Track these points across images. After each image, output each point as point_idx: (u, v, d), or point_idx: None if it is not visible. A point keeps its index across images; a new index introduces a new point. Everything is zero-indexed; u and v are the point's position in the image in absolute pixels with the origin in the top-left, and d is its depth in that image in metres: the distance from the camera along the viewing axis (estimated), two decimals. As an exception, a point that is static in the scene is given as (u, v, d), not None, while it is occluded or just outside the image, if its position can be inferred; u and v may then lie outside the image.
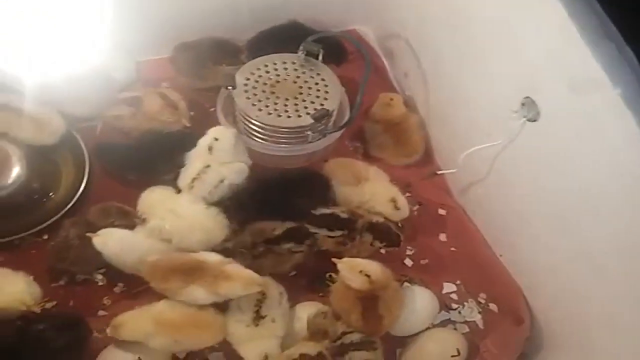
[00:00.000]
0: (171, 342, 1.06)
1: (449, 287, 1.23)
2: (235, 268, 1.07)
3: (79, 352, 1.07)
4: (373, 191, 1.23)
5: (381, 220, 1.19)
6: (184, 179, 1.19)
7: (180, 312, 1.08)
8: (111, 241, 1.11)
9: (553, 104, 1.00)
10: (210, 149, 1.17)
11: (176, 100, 1.32)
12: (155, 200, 1.18)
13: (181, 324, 1.06)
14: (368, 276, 1.08)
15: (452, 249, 1.28)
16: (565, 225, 1.05)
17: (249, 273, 1.06)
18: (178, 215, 1.15)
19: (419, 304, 1.15)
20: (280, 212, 1.16)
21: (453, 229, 1.31)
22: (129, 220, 1.16)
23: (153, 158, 1.25)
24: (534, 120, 1.04)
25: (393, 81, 1.55)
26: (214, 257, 1.09)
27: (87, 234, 1.09)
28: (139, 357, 1.06)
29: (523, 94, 1.04)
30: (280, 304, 1.11)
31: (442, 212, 1.33)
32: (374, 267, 1.10)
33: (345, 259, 1.10)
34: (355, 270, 1.09)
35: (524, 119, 1.05)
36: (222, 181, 1.18)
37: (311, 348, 1.04)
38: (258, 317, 1.08)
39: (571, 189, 1.01)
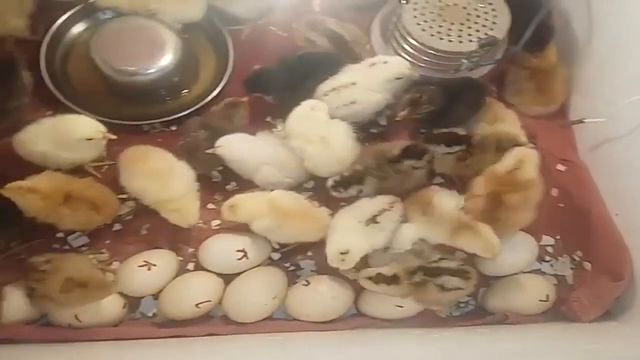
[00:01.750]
0: (276, 227, 1.14)
1: (546, 240, 1.28)
2: (485, 227, 1.11)
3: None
4: (500, 129, 1.25)
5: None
6: (324, 87, 1.27)
7: (294, 201, 1.18)
8: (235, 149, 1.20)
9: None
10: (372, 65, 1.25)
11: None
12: (301, 119, 1.22)
13: (292, 212, 1.15)
14: (518, 169, 1.11)
15: (560, 204, 1.32)
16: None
17: (494, 239, 1.10)
18: (321, 141, 1.20)
19: (518, 247, 1.19)
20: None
21: (568, 185, 1.32)
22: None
23: (296, 78, 1.29)
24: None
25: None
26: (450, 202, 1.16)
27: (216, 145, 1.18)
28: (244, 249, 1.17)
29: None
30: (396, 222, 1.17)
31: (560, 167, 1.36)
32: (532, 167, 1.12)
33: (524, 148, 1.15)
34: (518, 157, 1.12)
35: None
36: (353, 102, 1.25)
37: (389, 270, 1.11)
38: (372, 221, 1.14)
39: None
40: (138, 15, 1.35)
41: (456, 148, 1.19)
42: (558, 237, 1.28)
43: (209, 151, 1.19)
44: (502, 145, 1.18)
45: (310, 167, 1.22)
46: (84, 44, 1.39)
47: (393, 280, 1.10)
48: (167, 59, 1.32)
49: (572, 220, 1.29)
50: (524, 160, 1.13)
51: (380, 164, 1.17)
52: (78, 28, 1.43)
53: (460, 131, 1.21)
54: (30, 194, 1.09)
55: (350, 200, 1.20)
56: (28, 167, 1.16)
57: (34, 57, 1.35)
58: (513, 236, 1.18)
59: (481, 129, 1.25)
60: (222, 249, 1.18)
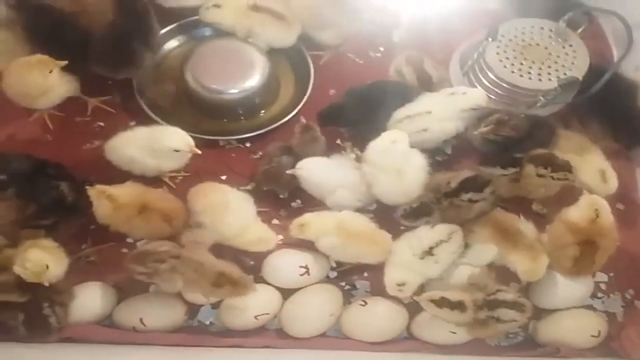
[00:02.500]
0: (341, 246, 1.17)
1: (600, 277, 1.27)
2: (544, 257, 1.15)
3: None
4: (585, 162, 1.27)
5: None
6: (400, 113, 1.29)
7: (361, 223, 1.20)
8: (314, 173, 1.24)
9: None
10: (450, 94, 1.28)
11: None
12: (381, 152, 1.22)
13: (358, 233, 1.18)
14: (597, 216, 1.14)
15: (617, 243, 1.27)
16: None
17: (542, 270, 1.15)
18: (397, 172, 1.21)
19: (574, 282, 1.20)
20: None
21: (626, 224, 1.30)
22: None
23: (368, 107, 1.31)
24: None
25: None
26: (530, 228, 1.19)
27: (296, 168, 1.22)
28: (306, 265, 1.20)
29: None
30: (453, 254, 1.18)
31: (620, 206, 1.33)
32: (607, 212, 1.16)
33: (594, 195, 1.17)
34: (592, 205, 1.15)
35: None
36: (425, 130, 1.27)
37: (455, 295, 1.11)
38: (428, 253, 1.16)
39: None
40: (234, 36, 1.43)
41: (511, 170, 1.21)
42: (612, 274, 1.28)
43: (289, 172, 1.23)
44: (541, 157, 1.20)
45: (379, 194, 1.25)
46: (175, 59, 1.48)
47: (458, 306, 1.11)
48: (253, 81, 1.39)
49: (626, 259, 1.28)
50: (600, 209, 1.15)
51: (437, 197, 1.19)
52: (171, 44, 1.52)
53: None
54: (106, 201, 1.14)
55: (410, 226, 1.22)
56: (113, 173, 1.24)
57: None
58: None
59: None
60: (286, 264, 1.22)
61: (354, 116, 1.32)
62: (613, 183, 1.27)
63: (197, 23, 1.49)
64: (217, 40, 1.45)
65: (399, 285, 1.16)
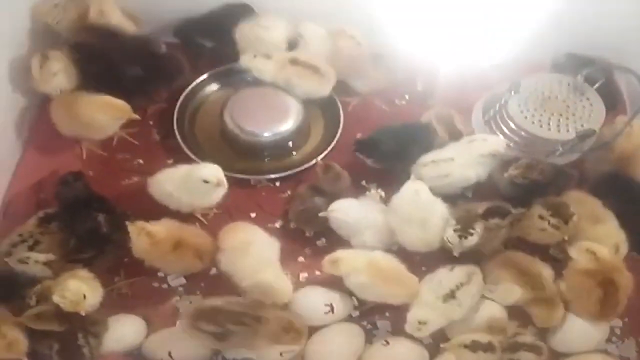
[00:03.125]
0: (370, 285, 1.19)
1: (615, 322, 1.29)
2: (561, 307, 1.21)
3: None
4: (600, 232, 1.28)
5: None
6: (426, 157, 1.35)
7: (392, 264, 1.23)
8: (346, 214, 1.28)
9: None
10: (471, 141, 1.34)
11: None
12: (406, 201, 1.27)
13: (389, 274, 1.21)
14: (594, 254, 1.19)
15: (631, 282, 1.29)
16: None
17: (558, 320, 1.20)
18: (421, 223, 1.25)
19: (590, 327, 1.21)
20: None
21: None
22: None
23: (401, 148, 1.38)
24: None
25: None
26: (549, 273, 1.24)
27: (329, 210, 1.27)
28: (331, 303, 1.23)
29: None
30: (474, 296, 1.21)
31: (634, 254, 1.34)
32: (601, 248, 1.20)
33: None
34: (582, 249, 1.21)
35: None
36: (447, 176, 1.33)
37: (482, 337, 1.14)
38: (450, 296, 1.18)
39: None
40: (272, 84, 1.51)
41: (520, 210, 1.26)
42: (626, 319, 1.29)
43: (322, 214, 1.28)
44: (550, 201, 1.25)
45: (403, 243, 1.29)
46: (214, 102, 1.57)
47: (489, 347, 1.13)
48: (287, 126, 1.48)
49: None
50: (596, 249, 1.20)
51: (466, 226, 1.22)
52: (211, 88, 1.61)
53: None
54: (145, 237, 1.18)
55: (430, 266, 1.25)
56: (149, 207, 1.29)
57: (170, 108, 1.53)
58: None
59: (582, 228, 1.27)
60: (312, 302, 1.25)
61: (386, 151, 1.38)
62: (621, 255, 1.28)
63: (237, 70, 1.57)
64: (254, 87, 1.53)
65: (420, 323, 1.16)
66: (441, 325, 1.19)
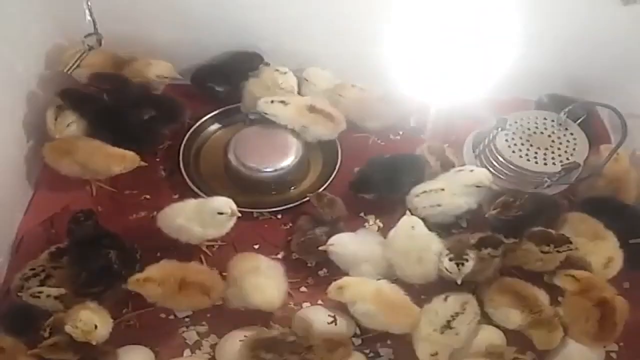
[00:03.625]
0: (375, 314, 1.23)
1: (611, 346, 1.33)
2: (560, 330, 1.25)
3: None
4: (599, 247, 1.34)
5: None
6: (418, 188, 1.43)
7: (397, 294, 1.27)
8: (345, 248, 1.33)
9: None
10: (459, 171, 1.42)
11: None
12: (403, 237, 1.32)
13: (393, 303, 1.25)
14: (573, 276, 1.25)
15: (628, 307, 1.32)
16: None
17: (556, 342, 1.24)
18: (418, 259, 1.30)
19: (586, 351, 1.25)
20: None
21: (634, 299, 1.32)
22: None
23: (393, 177, 1.45)
24: None
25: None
26: (545, 298, 1.29)
27: (328, 244, 1.32)
28: (334, 315, 1.28)
29: None
30: (470, 323, 1.25)
31: (627, 285, 1.40)
32: (578, 271, 1.26)
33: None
34: (561, 277, 1.27)
35: None
36: (439, 205, 1.40)
37: None
38: (446, 327, 1.22)
39: None
40: (271, 122, 1.58)
41: (512, 240, 1.31)
42: (622, 344, 1.33)
43: (322, 248, 1.33)
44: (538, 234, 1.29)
45: (401, 276, 1.33)
46: (218, 140, 1.65)
47: None
48: (286, 162, 1.55)
49: (636, 330, 1.32)
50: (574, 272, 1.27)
51: (460, 254, 1.26)
52: (215, 126, 1.70)
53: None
54: (148, 283, 1.22)
55: (427, 293, 1.30)
56: (157, 241, 1.35)
57: (175, 145, 1.60)
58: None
59: (581, 244, 1.33)
60: (315, 315, 1.29)
61: (378, 181, 1.45)
62: (613, 270, 1.33)
63: (238, 109, 1.67)
64: (256, 125, 1.61)
65: (432, 355, 1.21)
66: (449, 351, 1.22)
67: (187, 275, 1.25)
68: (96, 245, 1.29)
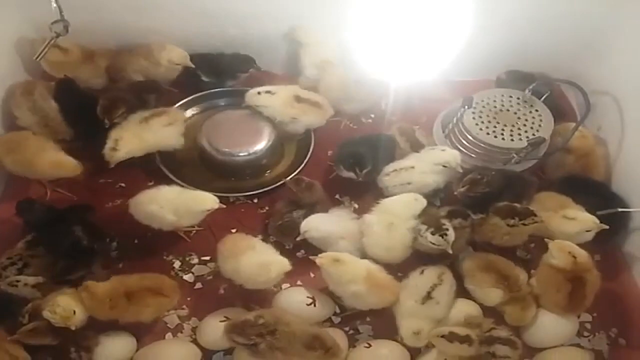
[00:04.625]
0: (364, 295, 1.24)
1: (585, 317, 1.38)
2: (533, 307, 1.29)
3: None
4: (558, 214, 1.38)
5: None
6: (389, 167, 1.46)
7: (382, 274, 1.28)
8: (318, 229, 1.34)
9: None
10: (430, 150, 1.46)
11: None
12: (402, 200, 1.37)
13: (380, 284, 1.26)
14: (574, 257, 1.25)
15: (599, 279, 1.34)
16: None
17: (529, 318, 1.27)
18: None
19: (560, 322, 1.30)
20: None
21: (605, 271, 1.36)
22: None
23: (369, 157, 1.46)
24: None
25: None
26: (524, 275, 1.31)
27: (301, 230, 1.33)
28: (313, 297, 1.29)
29: None
30: (449, 293, 1.29)
31: (597, 257, 1.45)
32: (580, 250, 1.27)
33: (557, 240, 1.28)
34: (564, 250, 1.27)
35: None
36: (409, 183, 1.43)
37: (461, 330, 1.21)
38: (427, 298, 1.26)
39: None
40: (245, 106, 1.59)
41: (478, 216, 1.36)
42: (595, 314, 1.38)
43: (299, 239, 1.35)
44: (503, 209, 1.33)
45: (373, 252, 1.34)
46: (191, 126, 1.63)
47: (466, 339, 1.20)
48: (260, 145, 1.56)
49: (608, 301, 1.38)
50: (572, 250, 1.27)
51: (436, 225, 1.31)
52: (189, 112, 1.69)
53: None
54: (91, 301, 1.19)
55: (404, 270, 1.33)
56: (132, 227, 1.36)
57: None
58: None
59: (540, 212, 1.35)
60: (294, 298, 1.31)
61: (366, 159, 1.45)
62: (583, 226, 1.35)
63: (212, 95, 1.69)
64: (229, 110, 1.62)
65: (415, 333, 1.23)
66: (431, 327, 1.24)
67: (130, 284, 1.23)
68: (61, 225, 1.30)
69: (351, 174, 1.46)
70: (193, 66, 1.64)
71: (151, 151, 1.49)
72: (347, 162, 1.47)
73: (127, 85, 1.60)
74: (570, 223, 1.35)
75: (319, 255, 1.26)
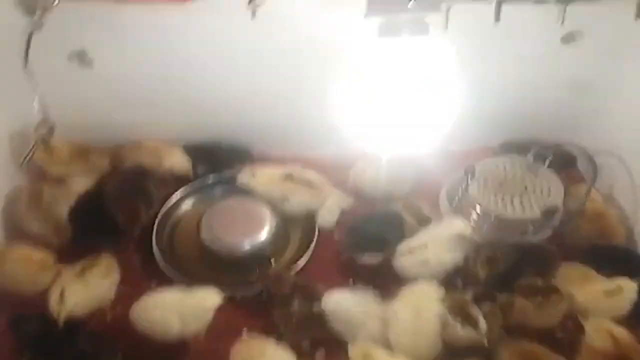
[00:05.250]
0: None
1: None
2: None
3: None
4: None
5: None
6: (403, 247, 1.40)
7: None
8: (341, 305, 1.27)
9: None
10: (438, 226, 1.41)
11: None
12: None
13: None
14: (615, 337, 1.18)
15: None
16: None
17: None
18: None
19: None
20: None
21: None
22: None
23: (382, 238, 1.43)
24: None
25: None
26: None
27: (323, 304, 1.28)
28: None
29: None
30: None
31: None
32: (619, 329, 1.20)
33: (591, 320, 1.23)
34: (601, 331, 1.20)
35: None
36: (425, 262, 1.36)
37: None
38: None
39: None
40: (244, 195, 1.55)
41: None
42: None
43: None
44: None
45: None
46: (191, 217, 1.57)
47: None
48: (263, 236, 1.48)
49: None
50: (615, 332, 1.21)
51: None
52: (187, 204, 1.63)
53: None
54: None
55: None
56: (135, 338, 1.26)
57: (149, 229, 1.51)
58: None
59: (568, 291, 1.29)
60: None
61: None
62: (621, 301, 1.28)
63: (207, 185, 1.64)
64: (231, 200, 1.56)
65: None
66: None
67: None
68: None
69: (366, 259, 1.41)
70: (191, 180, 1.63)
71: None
72: (360, 247, 1.42)
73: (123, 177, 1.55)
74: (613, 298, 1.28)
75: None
